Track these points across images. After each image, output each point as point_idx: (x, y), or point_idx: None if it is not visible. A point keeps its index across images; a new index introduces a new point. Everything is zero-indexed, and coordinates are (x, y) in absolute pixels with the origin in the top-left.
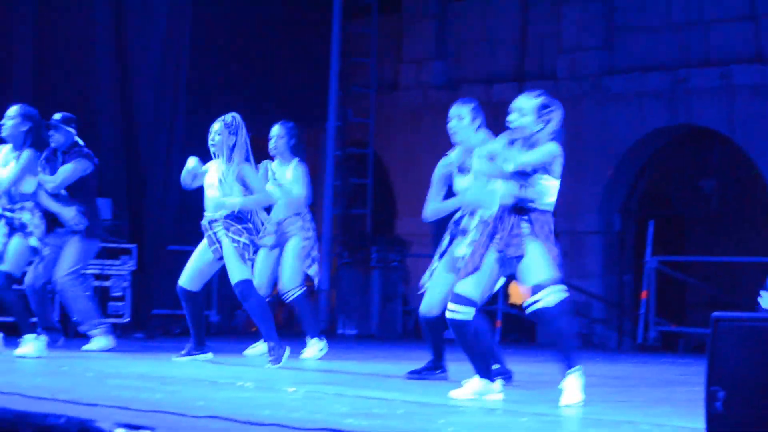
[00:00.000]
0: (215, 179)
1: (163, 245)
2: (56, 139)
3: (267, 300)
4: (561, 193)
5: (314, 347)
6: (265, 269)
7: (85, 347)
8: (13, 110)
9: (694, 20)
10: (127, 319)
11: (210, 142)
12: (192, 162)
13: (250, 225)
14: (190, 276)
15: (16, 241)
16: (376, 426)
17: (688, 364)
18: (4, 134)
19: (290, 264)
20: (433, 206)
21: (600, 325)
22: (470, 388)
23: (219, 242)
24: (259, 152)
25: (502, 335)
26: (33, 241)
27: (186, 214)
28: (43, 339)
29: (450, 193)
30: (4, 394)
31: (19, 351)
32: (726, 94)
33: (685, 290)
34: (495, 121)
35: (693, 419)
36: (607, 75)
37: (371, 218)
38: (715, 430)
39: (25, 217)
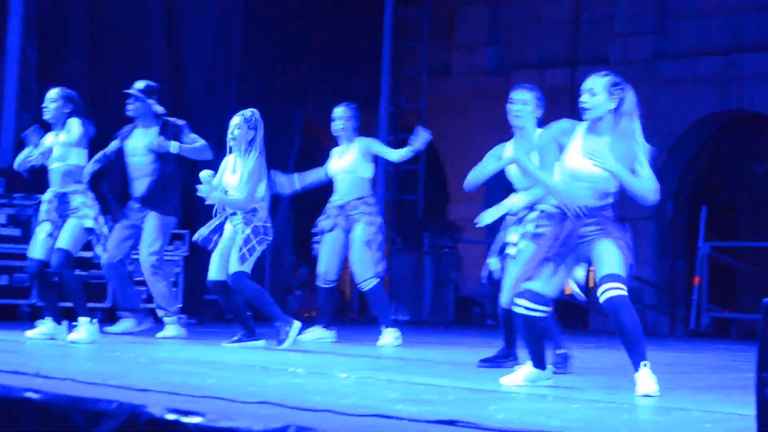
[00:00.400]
0: (230, 173)
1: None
2: (135, 108)
3: (330, 286)
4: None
5: (390, 335)
6: (329, 255)
7: (159, 334)
8: (54, 93)
9: (746, 5)
10: (179, 305)
11: (229, 136)
12: (205, 174)
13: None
14: (216, 268)
15: (71, 222)
16: (426, 412)
17: (740, 350)
18: (47, 117)
19: (359, 253)
20: (475, 173)
21: (652, 312)
22: (521, 375)
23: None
24: (310, 138)
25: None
26: (88, 223)
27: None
28: (96, 323)
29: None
30: (56, 379)
31: (72, 336)
32: None
33: (736, 276)
34: (549, 104)
35: (744, 406)
36: (659, 60)
37: (423, 204)
38: (766, 417)
39: (78, 199)
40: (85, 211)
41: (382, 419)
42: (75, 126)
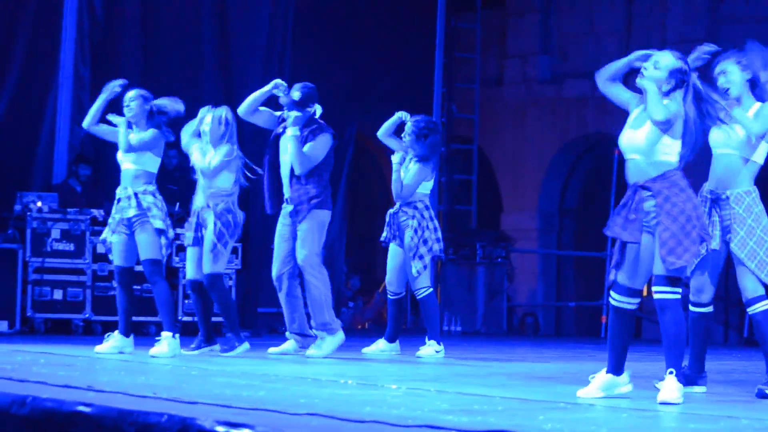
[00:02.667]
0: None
1: (268, 243)
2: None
3: (395, 298)
4: None
5: (431, 348)
6: (392, 265)
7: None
8: (132, 93)
9: None
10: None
11: (201, 127)
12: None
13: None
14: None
15: (145, 228)
16: (475, 422)
17: None
18: (128, 116)
19: (407, 262)
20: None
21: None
22: (596, 385)
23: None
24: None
25: (607, 331)
26: (157, 223)
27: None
28: (178, 338)
29: None
30: (108, 392)
31: (153, 350)
32: None
33: None
34: (601, 113)
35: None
36: (711, 68)
37: (476, 214)
38: None
39: (149, 199)
40: (155, 212)
41: (431, 429)
42: (149, 134)
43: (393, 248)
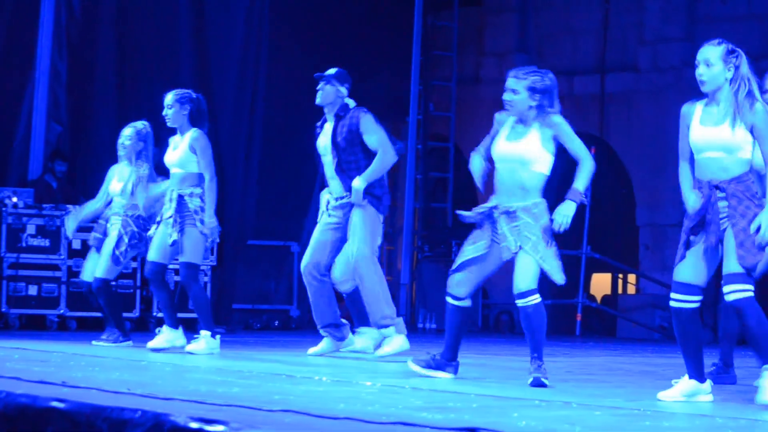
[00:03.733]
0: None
1: (244, 240)
2: (324, 95)
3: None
4: (643, 186)
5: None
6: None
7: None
8: (170, 98)
9: None
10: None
11: (120, 145)
12: None
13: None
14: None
15: (189, 231)
16: (450, 420)
17: None
18: (170, 124)
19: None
20: None
21: None
22: (679, 389)
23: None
24: None
25: (582, 329)
26: (201, 226)
27: (266, 209)
28: (218, 338)
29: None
30: (81, 388)
31: (191, 347)
32: None
33: None
34: (577, 111)
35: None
36: (689, 66)
37: (452, 211)
38: None
39: (195, 202)
40: (203, 216)
41: (404, 427)
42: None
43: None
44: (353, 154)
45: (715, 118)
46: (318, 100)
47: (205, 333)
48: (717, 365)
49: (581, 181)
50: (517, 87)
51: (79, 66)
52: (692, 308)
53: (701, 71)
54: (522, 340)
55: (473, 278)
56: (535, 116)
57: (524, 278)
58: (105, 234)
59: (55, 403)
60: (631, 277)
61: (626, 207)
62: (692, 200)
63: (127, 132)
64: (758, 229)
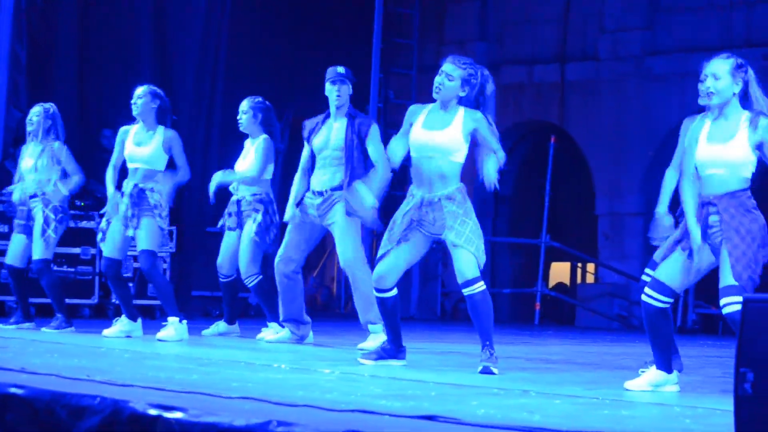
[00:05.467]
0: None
1: (202, 227)
2: (343, 95)
3: (225, 281)
4: (603, 175)
5: (271, 330)
6: (228, 248)
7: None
8: (141, 90)
9: (736, 1)
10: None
11: (28, 125)
12: None
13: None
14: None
15: (148, 221)
16: (408, 408)
17: (725, 347)
18: (135, 113)
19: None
20: None
21: (639, 307)
22: (646, 379)
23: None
24: (299, 134)
25: (541, 317)
26: (160, 221)
27: (225, 196)
28: (185, 323)
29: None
30: (40, 374)
31: (161, 334)
32: None
33: None
34: (537, 100)
35: (726, 401)
36: (649, 56)
37: None
38: (743, 412)
39: (155, 197)
40: (161, 211)
41: (363, 414)
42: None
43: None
44: (352, 156)
45: (724, 134)
46: (337, 103)
47: (172, 320)
48: None
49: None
50: (454, 74)
51: (39, 52)
52: (661, 308)
53: (708, 84)
54: None
55: (396, 268)
56: (456, 105)
57: (467, 267)
58: (29, 218)
59: (13, 390)
60: (590, 266)
61: (585, 196)
62: (697, 233)
63: (35, 110)
64: (753, 243)
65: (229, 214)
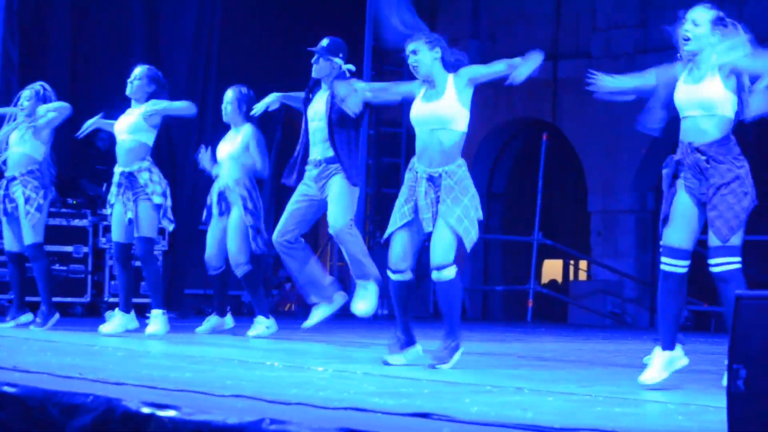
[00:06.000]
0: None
1: (195, 225)
2: (319, 69)
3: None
4: (595, 172)
5: (261, 325)
6: (214, 240)
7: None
8: (139, 70)
9: None
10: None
11: (19, 107)
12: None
13: None
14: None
15: (142, 206)
16: (402, 405)
17: (718, 343)
18: (128, 92)
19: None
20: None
21: (632, 305)
22: (657, 366)
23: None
24: (292, 128)
25: (533, 315)
26: (157, 199)
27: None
28: (167, 315)
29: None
30: (33, 373)
31: (150, 329)
32: None
33: None
34: (530, 97)
35: (718, 398)
36: (641, 53)
37: None
38: (736, 409)
39: (144, 176)
40: (153, 188)
41: (356, 412)
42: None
43: (218, 224)
44: (344, 127)
45: (697, 77)
46: (313, 74)
47: (157, 312)
48: None
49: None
50: (419, 48)
51: (31, 51)
52: (681, 273)
53: (687, 28)
54: (474, 326)
55: (410, 249)
56: (444, 72)
57: (441, 249)
58: (12, 201)
59: (6, 388)
60: (583, 264)
61: (578, 193)
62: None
63: (26, 94)
64: (743, 194)
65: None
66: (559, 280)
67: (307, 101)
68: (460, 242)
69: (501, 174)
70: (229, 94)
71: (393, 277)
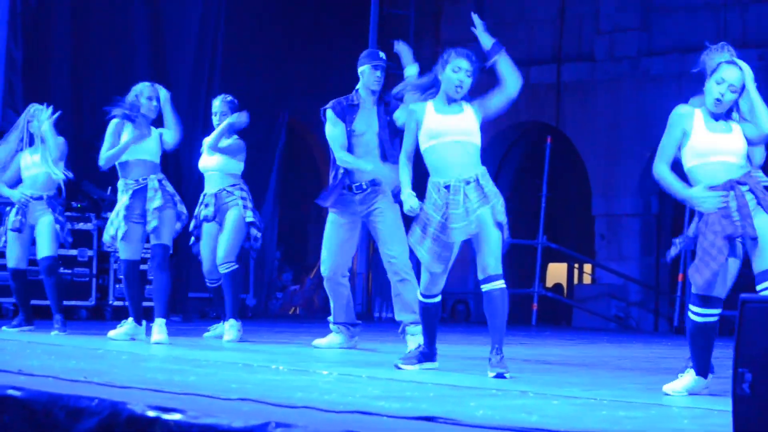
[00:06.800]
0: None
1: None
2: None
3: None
4: (599, 176)
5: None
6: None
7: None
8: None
9: (732, 1)
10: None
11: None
12: None
13: None
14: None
15: (168, 213)
16: (407, 409)
17: (722, 347)
18: (143, 111)
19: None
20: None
21: (636, 308)
22: (682, 383)
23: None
24: (295, 135)
25: (538, 318)
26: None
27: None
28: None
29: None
30: (39, 376)
31: (155, 338)
32: (764, 74)
33: None
34: (534, 101)
35: (723, 402)
36: (645, 56)
37: None
38: (742, 413)
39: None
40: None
41: (361, 416)
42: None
43: (210, 237)
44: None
45: (723, 125)
46: (377, 87)
47: (160, 321)
48: None
49: None
50: (471, 68)
51: (34, 53)
52: (716, 321)
53: (723, 91)
54: (478, 329)
55: (443, 274)
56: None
57: (496, 258)
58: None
59: (11, 392)
60: (587, 267)
61: (582, 197)
62: (699, 190)
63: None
64: None
65: (206, 205)
66: (564, 283)
67: (340, 114)
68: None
69: (505, 178)
70: (220, 106)
71: (426, 301)
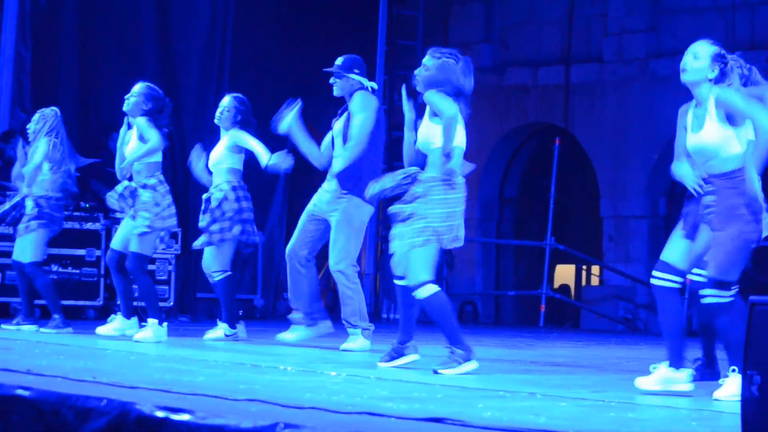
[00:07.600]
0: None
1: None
2: (338, 88)
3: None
4: (607, 177)
5: (221, 330)
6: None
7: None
8: (138, 87)
9: (740, 2)
10: (171, 303)
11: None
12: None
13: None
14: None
15: (128, 223)
16: (415, 410)
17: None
18: (125, 109)
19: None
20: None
21: (644, 310)
22: (655, 378)
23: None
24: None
25: (546, 320)
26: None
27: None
28: (165, 326)
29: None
30: (47, 376)
31: (139, 335)
32: None
33: None
34: (542, 102)
35: (731, 404)
36: (653, 58)
37: None
38: (750, 415)
39: (146, 194)
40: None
41: (370, 417)
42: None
43: None
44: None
45: (699, 122)
46: (335, 93)
47: (152, 321)
48: (701, 360)
49: None
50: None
51: (43, 53)
52: (669, 287)
53: (686, 60)
54: (486, 331)
55: None
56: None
57: None
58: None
59: (20, 391)
60: (595, 269)
61: (590, 198)
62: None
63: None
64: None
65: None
66: (572, 285)
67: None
68: None
69: (513, 179)
70: (229, 102)
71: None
